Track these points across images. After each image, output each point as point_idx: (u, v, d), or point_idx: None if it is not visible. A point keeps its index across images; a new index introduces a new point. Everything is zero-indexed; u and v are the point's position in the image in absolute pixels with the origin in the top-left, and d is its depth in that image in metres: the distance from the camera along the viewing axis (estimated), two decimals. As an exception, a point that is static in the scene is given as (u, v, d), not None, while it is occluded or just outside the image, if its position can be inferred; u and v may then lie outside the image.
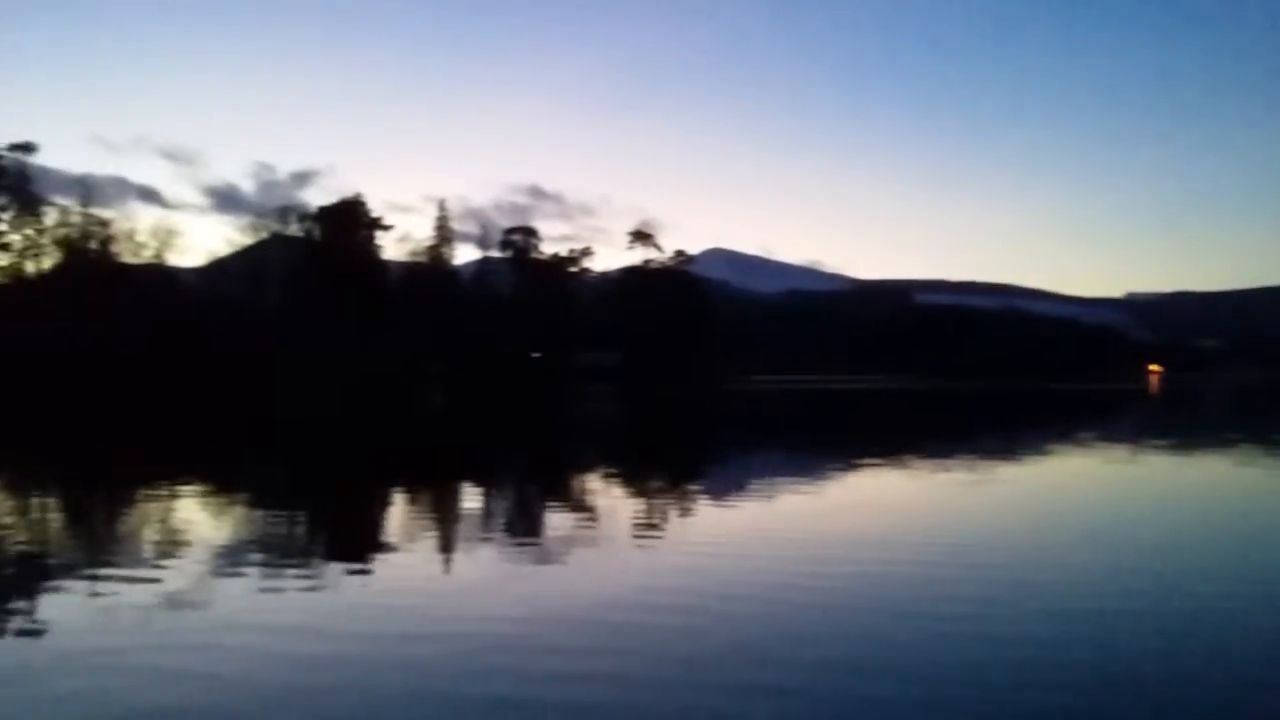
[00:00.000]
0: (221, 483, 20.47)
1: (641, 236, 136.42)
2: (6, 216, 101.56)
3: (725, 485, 19.76)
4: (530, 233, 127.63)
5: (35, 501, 18.26)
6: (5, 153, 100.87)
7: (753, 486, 19.37)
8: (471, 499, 18.49)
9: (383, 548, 12.49)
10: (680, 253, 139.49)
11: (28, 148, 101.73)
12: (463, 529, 14.16)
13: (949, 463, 24.40)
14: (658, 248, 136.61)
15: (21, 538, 13.45)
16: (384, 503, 17.82)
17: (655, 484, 20.75)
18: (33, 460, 28.01)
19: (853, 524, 14.18)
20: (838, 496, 18.03)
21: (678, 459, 28.57)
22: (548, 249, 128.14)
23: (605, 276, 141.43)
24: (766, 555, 11.60)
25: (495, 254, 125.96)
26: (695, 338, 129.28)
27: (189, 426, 42.98)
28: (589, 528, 13.91)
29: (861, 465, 24.26)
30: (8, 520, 15.30)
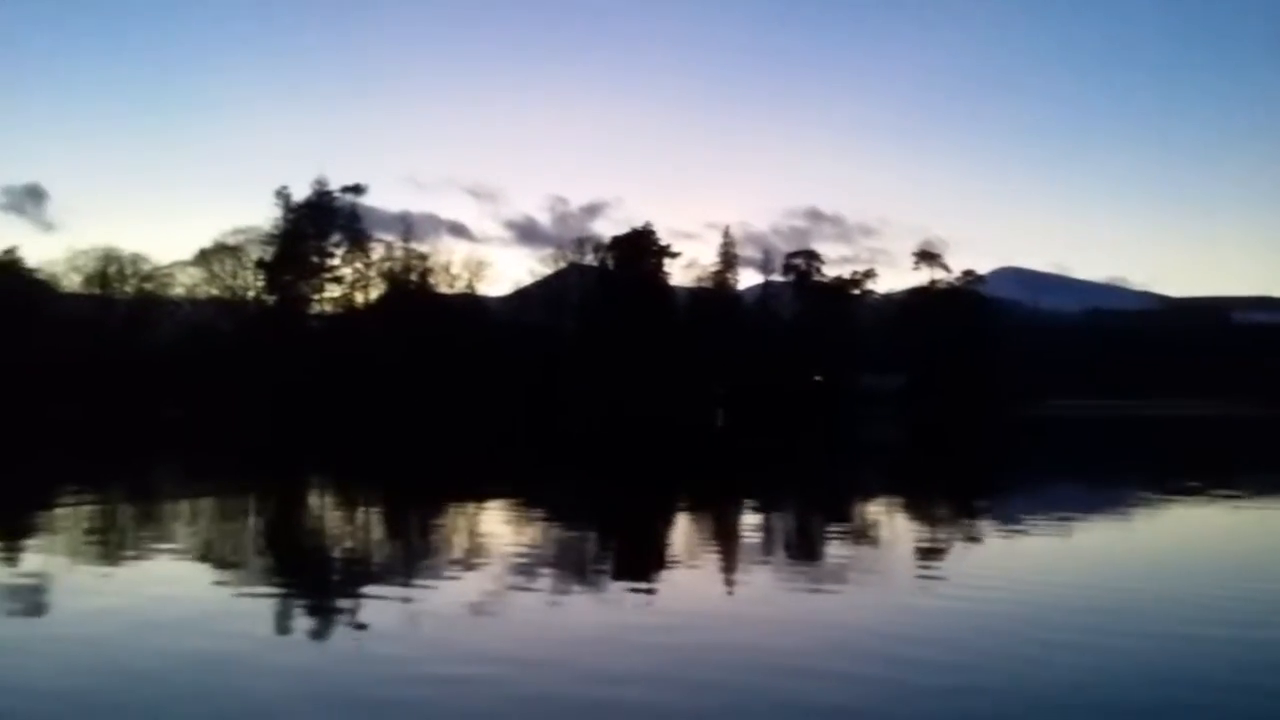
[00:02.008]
0: (523, 499, 21.98)
1: (927, 256, 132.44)
2: (339, 251, 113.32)
3: (1014, 518, 18.88)
4: (813, 256, 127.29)
5: (360, 513, 20.46)
6: (339, 194, 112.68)
7: (1045, 520, 18.26)
8: (753, 521, 18.80)
9: (667, 566, 12.98)
10: (968, 272, 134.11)
11: (358, 189, 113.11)
12: (744, 551, 14.40)
13: None
14: (944, 268, 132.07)
15: (346, 545, 15.32)
16: (669, 522, 18.49)
17: (939, 513, 20.23)
18: (360, 476, 31.24)
19: (1155, 574, 12.77)
20: (1144, 537, 16.80)
21: (965, 487, 27.60)
22: (829, 271, 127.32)
23: (889, 298, 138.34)
24: (1047, 603, 10.47)
25: (778, 278, 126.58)
26: (985, 360, 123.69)
27: (498, 445, 46.20)
28: (868, 556, 13.78)
29: (1174, 499, 22.29)
30: (336, 530, 17.40)
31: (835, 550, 14.64)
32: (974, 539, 15.98)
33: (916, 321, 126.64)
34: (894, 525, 18.28)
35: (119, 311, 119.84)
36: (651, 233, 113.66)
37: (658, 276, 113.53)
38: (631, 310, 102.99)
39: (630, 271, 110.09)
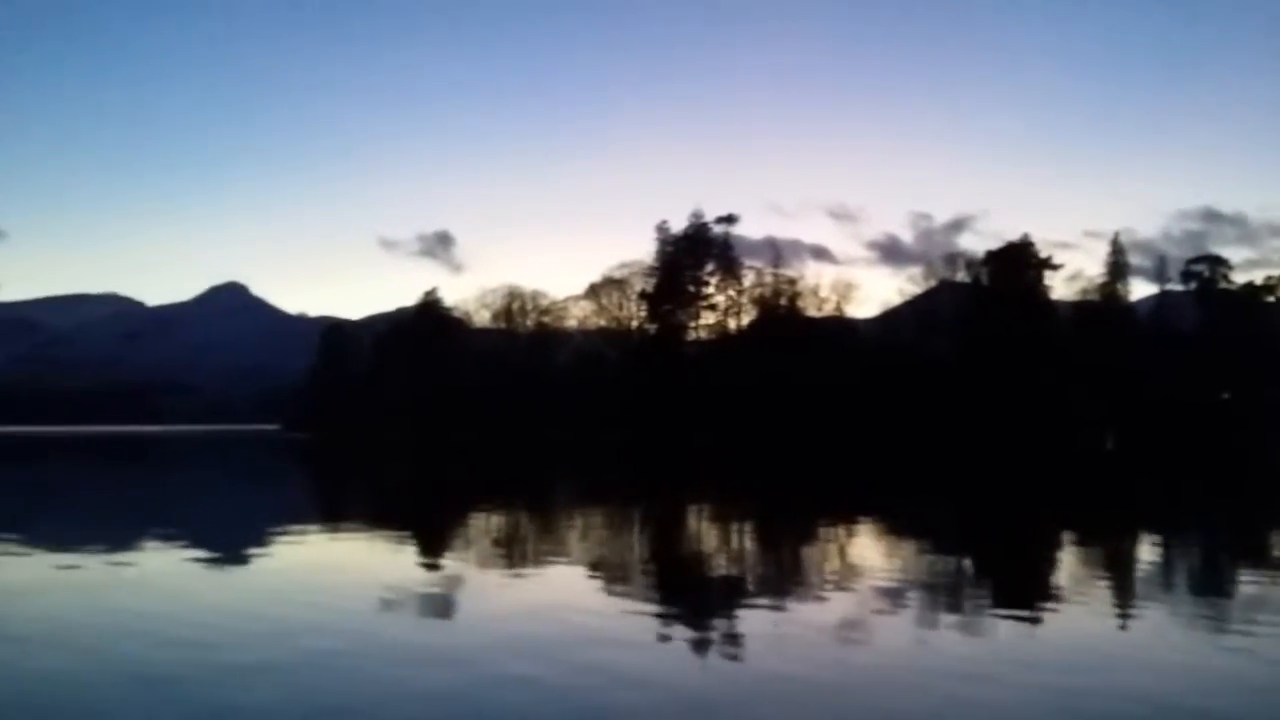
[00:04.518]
0: (899, 521, 22.00)
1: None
2: (713, 280, 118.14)
3: None
4: (1218, 261, 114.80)
5: (735, 531, 21.68)
6: (713, 225, 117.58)
7: None
8: (1147, 551, 17.74)
9: (1050, 596, 12.24)
10: None
11: (730, 219, 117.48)
12: (1138, 584, 13.41)
13: None
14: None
15: (720, 563, 16.14)
16: (1049, 548, 17.77)
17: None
18: (735, 496, 32.80)
19: None
20: None
21: None
22: (1237, 278, 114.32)
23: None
24: None
25: (1174, 287, 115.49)
26: None
27: (870, 465, 46.33)
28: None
29: None
30: (712, 548, 18.68)
31: (1249, 593, 13.16)
32: None
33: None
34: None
35: (521, 344, 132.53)
36: (1030, 245, 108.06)
37: (1038, 291, 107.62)
38: (1010, 327, 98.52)
39: (1007, 287, 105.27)
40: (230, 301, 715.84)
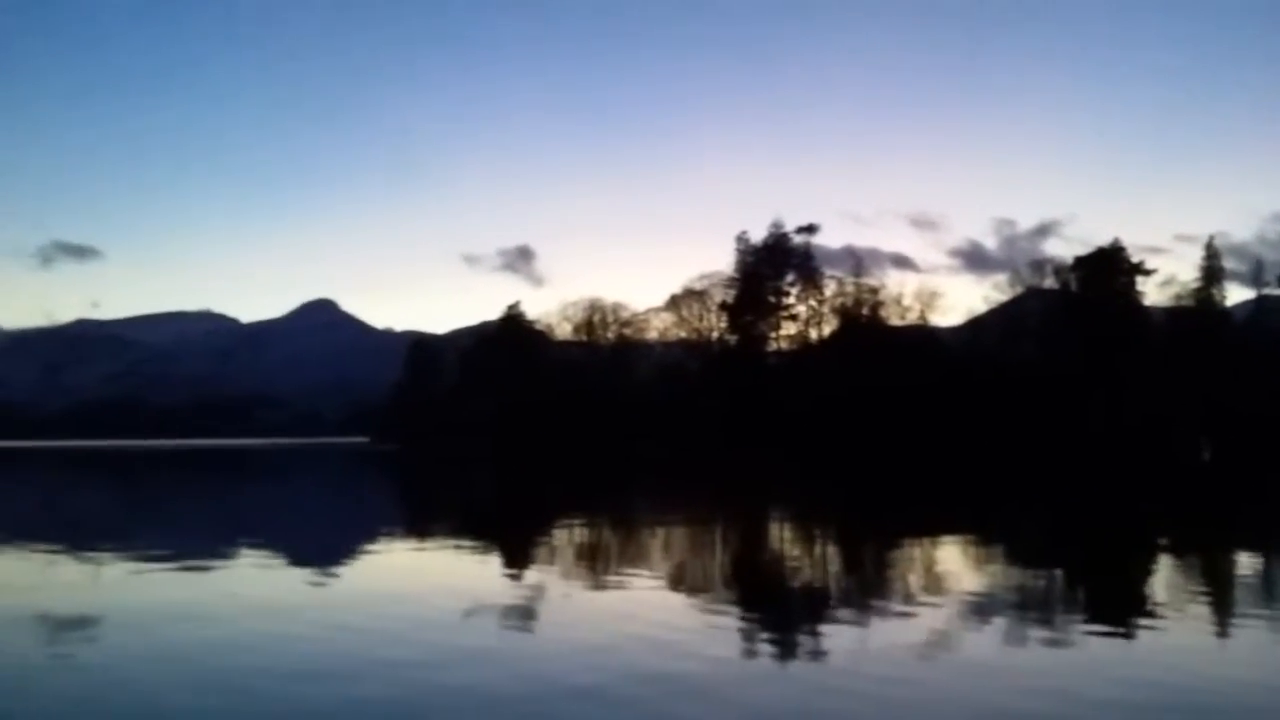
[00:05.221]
0: (989, 534, 21.61)
1: None
2: (794, 290, 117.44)
3: None
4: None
5: (817, 543, 21.47)
6: (793, 234, 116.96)
7: None
8: (1248, 566, 17.02)
9: (1146, 612, 11.80)
10: None
11: (810, 229, 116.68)
12: (1240, 600, 12.81)
13: None
14: None
15: (804, 576, 15.93)
16: (1145, 562, 17.18)
17: None
18: (817, 508, 32.50)
19: None
20: None
21: None
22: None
23: None
24: None
25: (1273, 291, 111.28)
26: None
27: (957, 475, 45.52)
28: None
29: None
30: (794, 560, 18.51)
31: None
32: None
33: None
34: None
35: (603, 355, 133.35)
36: (1120, 250, 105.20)
37: (1129, 297, 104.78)
38: (1101, 334, 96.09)
39: (1097, 293, 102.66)
40: (320, 317, 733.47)
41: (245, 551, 18.10)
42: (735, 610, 12.31)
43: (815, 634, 10.67)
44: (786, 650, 9.96)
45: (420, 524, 26.62)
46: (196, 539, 21.45)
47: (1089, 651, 9.65)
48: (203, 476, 57.63)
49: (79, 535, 22.37)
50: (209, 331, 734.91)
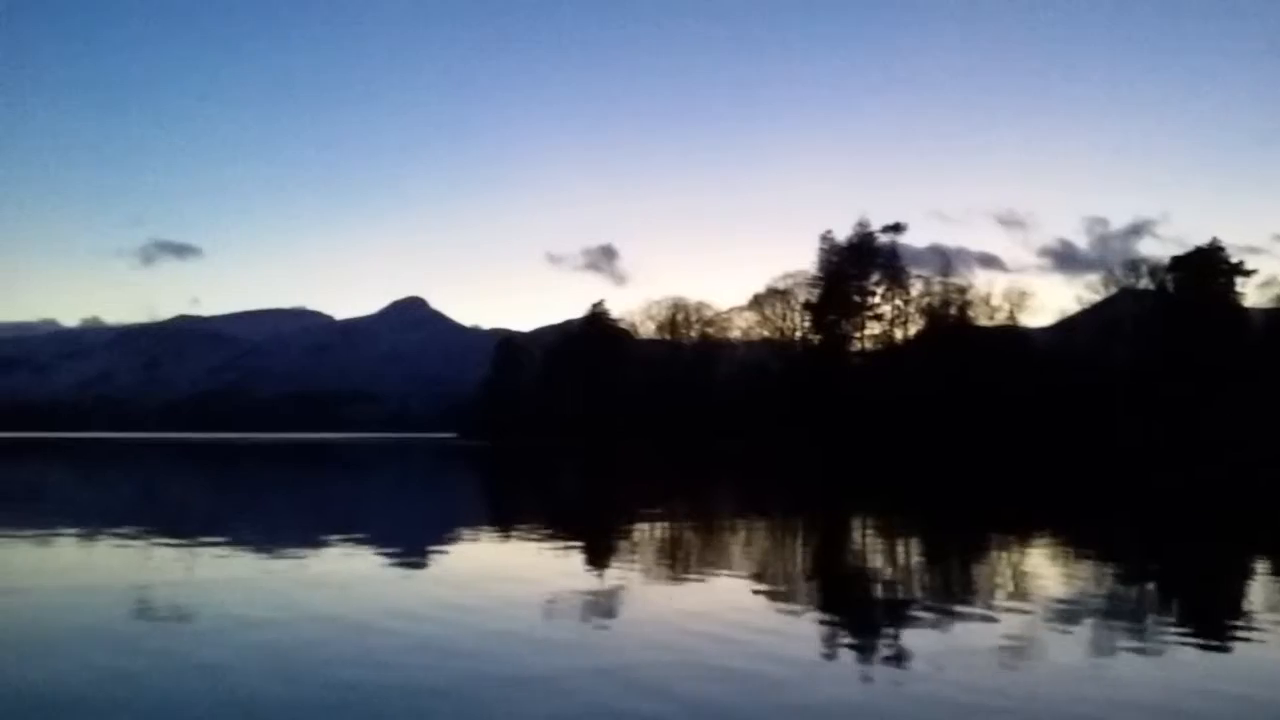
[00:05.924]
0: (1072, 536, 21.13)
1: None
2: (879, 290, 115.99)
3: None
4: None
5: (901, 544, 21.18)
6: (879, 233, 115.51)
7: None
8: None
9: (1244, 625, 11.36)
10: None
11: (897, 228, 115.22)
12: None
13: None
14: None
15: (882, 576, 15.72)
16: (1241, 572, 16.65)
17: None
18: (901, 508, 32.07)
19: None
20: None
21: None
22: None
23: None
24: None
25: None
26: None
27: (1047, 478, 44.51)
28: None
29: None
30: (877, 561, 18.31)
31: None
32: None
33: None
34: None
35: (686, 354, 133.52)
36: (1220, 249, 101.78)
37: (1228, 298, 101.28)
38: (1199, 336, 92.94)
39: (1195, 294, 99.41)
40: (411, 315, 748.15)
41: (337, 541, 18.61)
42: (816, 611, 12.24)
43: (897, 636, 10.58)
44: (865, 653, 9.87)
45: (506, 518, 27.02)
46: (290, 529, 22.11)
47: (1176, 661, 9.42)
48: (305, 470, 59.29)
49: (187, 523, 23.24)
50: (304, 328, 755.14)
